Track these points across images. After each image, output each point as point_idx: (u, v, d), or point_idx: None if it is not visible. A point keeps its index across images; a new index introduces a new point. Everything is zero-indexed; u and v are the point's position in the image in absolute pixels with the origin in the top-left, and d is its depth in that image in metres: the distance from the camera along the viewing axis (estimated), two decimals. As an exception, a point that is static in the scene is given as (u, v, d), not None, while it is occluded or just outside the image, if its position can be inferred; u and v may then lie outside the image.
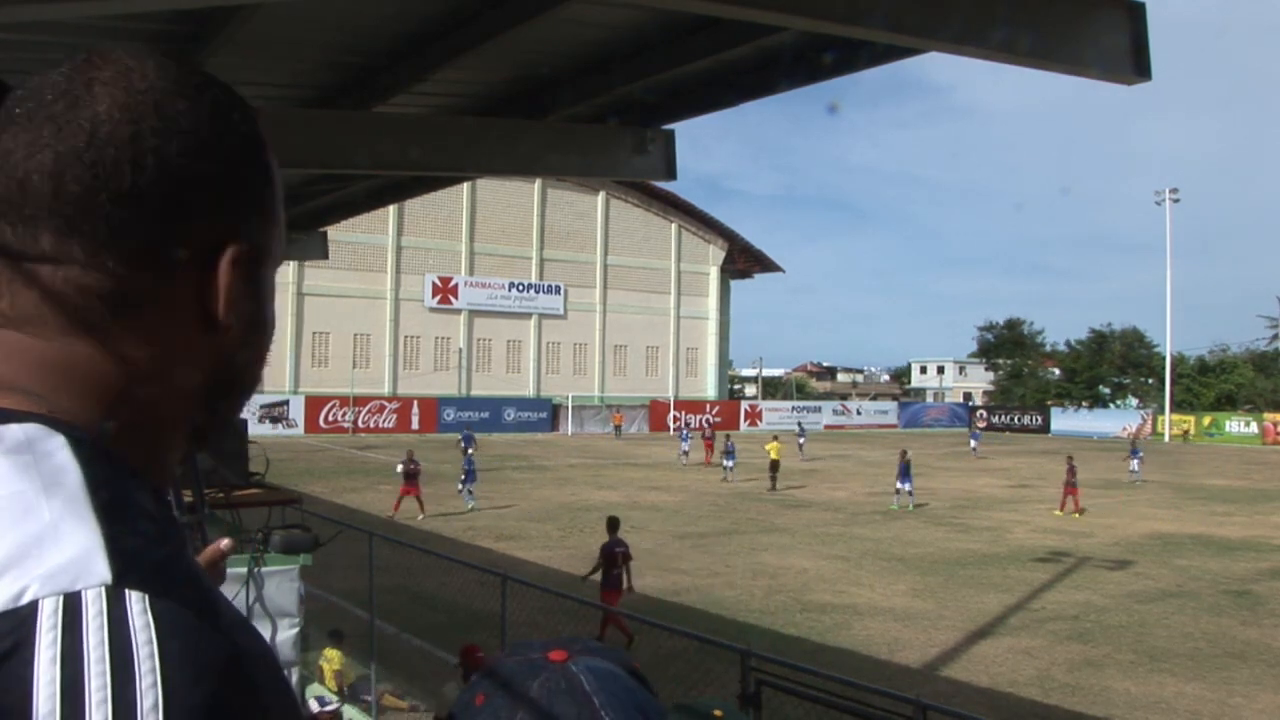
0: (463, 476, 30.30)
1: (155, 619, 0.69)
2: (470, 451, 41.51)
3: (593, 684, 1.04)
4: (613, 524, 16.93)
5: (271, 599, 7.59)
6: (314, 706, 9.60)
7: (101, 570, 0.70)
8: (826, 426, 76.94)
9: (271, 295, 0.95)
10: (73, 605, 0.67)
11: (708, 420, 63.07)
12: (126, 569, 0.70)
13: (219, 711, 0.69)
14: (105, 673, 0.65)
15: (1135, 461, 41.05)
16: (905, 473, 31.26)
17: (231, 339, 0.88)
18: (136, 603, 0.69)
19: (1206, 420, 76.42)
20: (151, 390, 0.84)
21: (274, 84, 8.46)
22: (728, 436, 43.40)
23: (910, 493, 31.22)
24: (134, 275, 0.82)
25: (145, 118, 0.81)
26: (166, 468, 0.89)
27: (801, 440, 48.90)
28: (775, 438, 38.02)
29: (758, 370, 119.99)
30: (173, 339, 0.85)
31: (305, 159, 8.91)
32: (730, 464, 38.96)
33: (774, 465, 36.03)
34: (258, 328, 0.92)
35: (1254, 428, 72.55)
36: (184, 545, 0.82)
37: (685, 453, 44.09)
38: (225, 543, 1.30)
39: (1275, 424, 71.85)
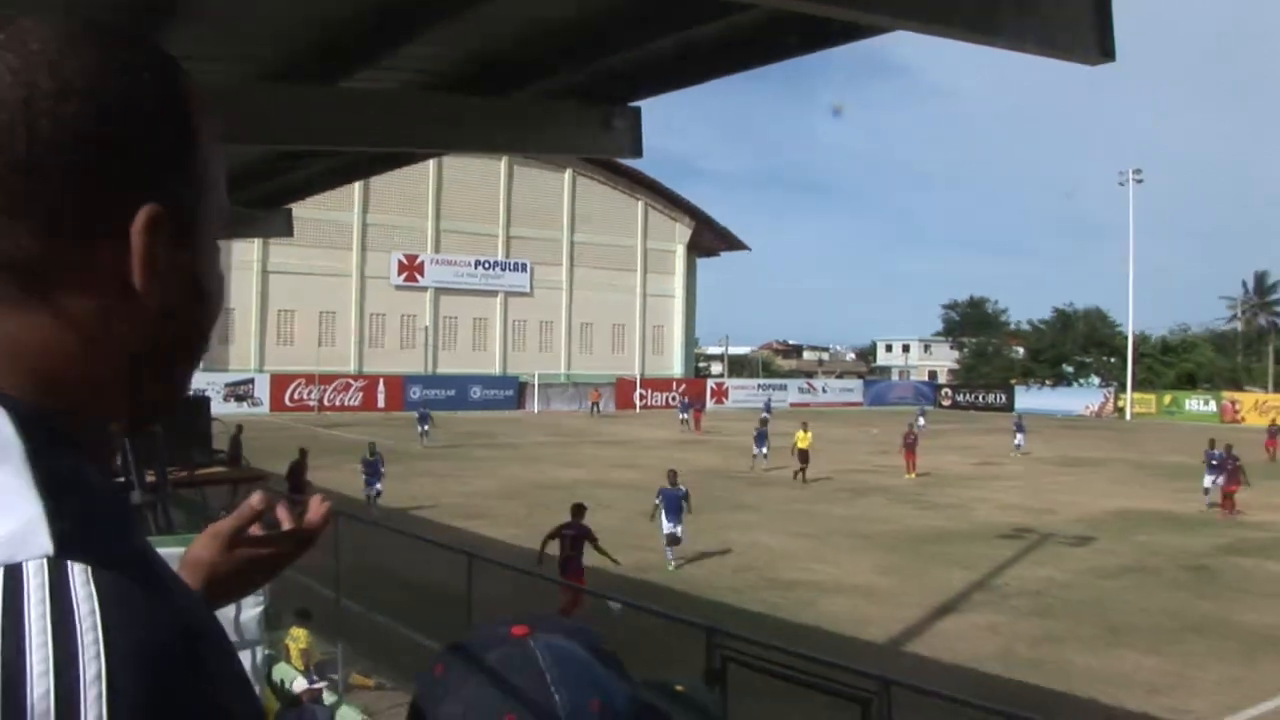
0: (365, 475, 25.55)
1: (98, 590, 0.68)
2: (425, 429, 41.52)
3: (548, 660, 1.04)
4: (576, 509, 16.51)
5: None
6: (302, 685, 9.56)
7: (43, 542, 0.69)
8: (792, 404, 77.17)
9: (211, 264, 0.90)
10: (14, 576, 0.67)
11: (685, 397, 63.34)
12: (69, 541, 0.70)
13: (162, 684, 0.69)
14: (47, 644, 0.65)
15: (1020, 436, 43.15)
16: (761, 439, 36.04)
17: (160, 309, 0.83)
18: (79, 574, 0.68)
19: (1167, 399, 77.21)
20: (81, 364, 0.81)
21: (239, 58, 8.39)
22: (764, 421, 41.43)
23: (764, 455, 35.69)
24: (46, 245, 0.78)
25: (39, 80, 0.77)
26: (105, 443, 0.86)
27: (766, 415, 49.08)
28: (805, 425, 33.37)
29: (724, 348, 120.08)
30: (98, 310, 0.81)
31: (270, 135, 8.86)
32: (763, 450, 36.07)
33: (803, 455, 32.49)
34: (193, 298, 0.87)
35: (1213, 406, 73.42)
36: (129, 519, 0.80)
37: (764, 455, 36.13)
38: (256, 498, 1.21)
39: (1233, 403, 72.75)
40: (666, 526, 19.55)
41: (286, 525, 1.25)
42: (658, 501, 20.06)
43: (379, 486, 24.98)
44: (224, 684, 0.75)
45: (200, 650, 0.73)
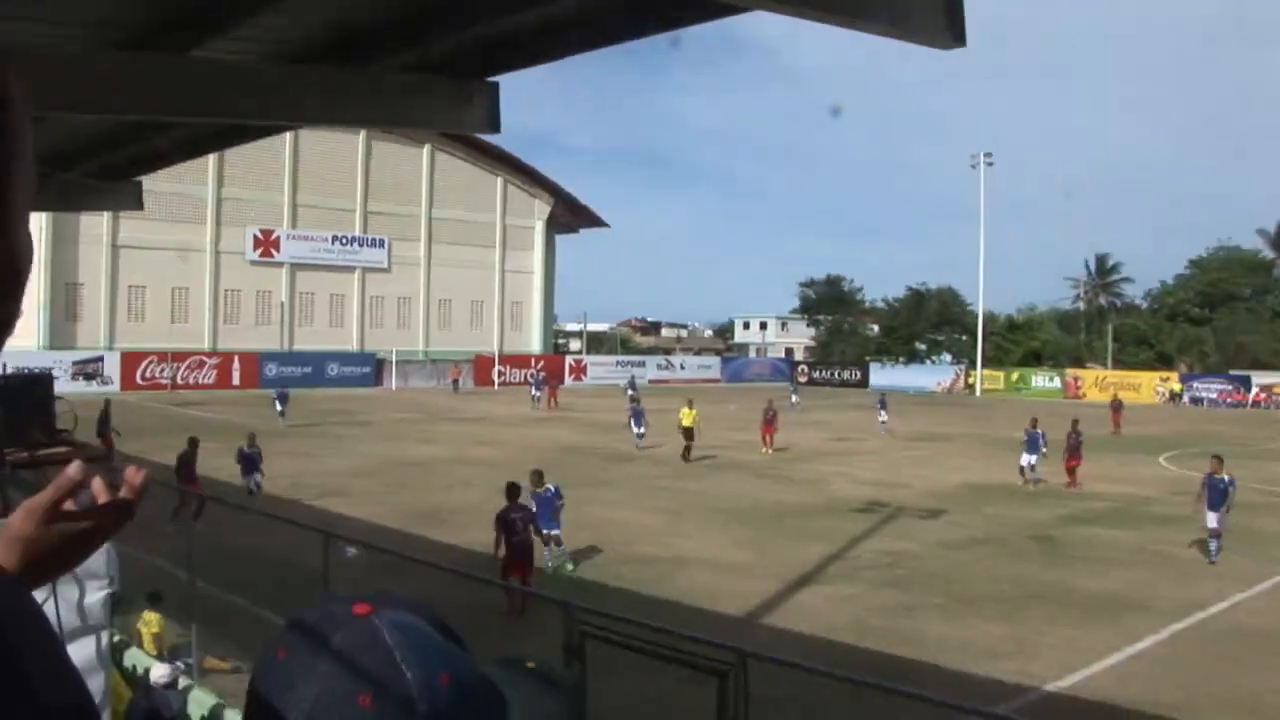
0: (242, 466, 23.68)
1: None
2: (282, 409, 40.65)
3: (395, 638, 1.05)
4: (511, 490, 15.90)
5: (78, 559, 7.28)
6: (163, 672, 9.32)
7: None
8: (651, 381, 77.73)
9: (18, 230, 0.85)
10: None
11: (540, 374, 63.16)
12: None
13: None
14: None
15: (883, 413, 43.64)
16: (638, 418, 34.95)
17: None
18: None
19: (1015, 375, 79.68)
20: None
21: (84, 24, 8.12)
22: (636, 399, 40.41)
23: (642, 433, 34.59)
24: None
25: None
26: None
27: (632, 392, 49.32)
28: (690, 403, 32.99)
29: (582, 325, 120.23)
30: None
31: (119, 105, 8.59)
32: (641, 430, 34.85)
33: (688, 433, 32.18)
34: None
35: (1057, 382, 76.08)
36: None
37: (640, 434, 34.77)
38: (73, 468, 1.17)
39: (1076, 379, 75.57)
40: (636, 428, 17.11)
41: (102, 498, 1.22)
42: (533, 509, 17.11)
43: (258, 478, 23.42)
44: (34, 675, 0.72)
45: (3, 641, 0.70)
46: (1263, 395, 67.49)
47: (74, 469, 1.16)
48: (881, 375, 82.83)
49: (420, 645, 1.06)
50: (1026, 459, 28.05)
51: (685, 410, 32.48)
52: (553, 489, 17.73)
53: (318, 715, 1.01)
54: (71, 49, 8.25)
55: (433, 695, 1.03)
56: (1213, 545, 18.70)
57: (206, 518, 18.63)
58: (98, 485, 1.22)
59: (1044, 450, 27.99)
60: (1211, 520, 18.76)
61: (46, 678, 0.73)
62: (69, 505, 1.18)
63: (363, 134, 68.64)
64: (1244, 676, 12.40)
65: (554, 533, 17.49)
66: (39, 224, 56.35)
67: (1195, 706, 11.42)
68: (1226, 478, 19.17)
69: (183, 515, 18.05)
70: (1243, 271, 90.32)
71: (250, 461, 23.39)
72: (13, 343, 0.88)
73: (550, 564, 17.29)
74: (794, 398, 56.10)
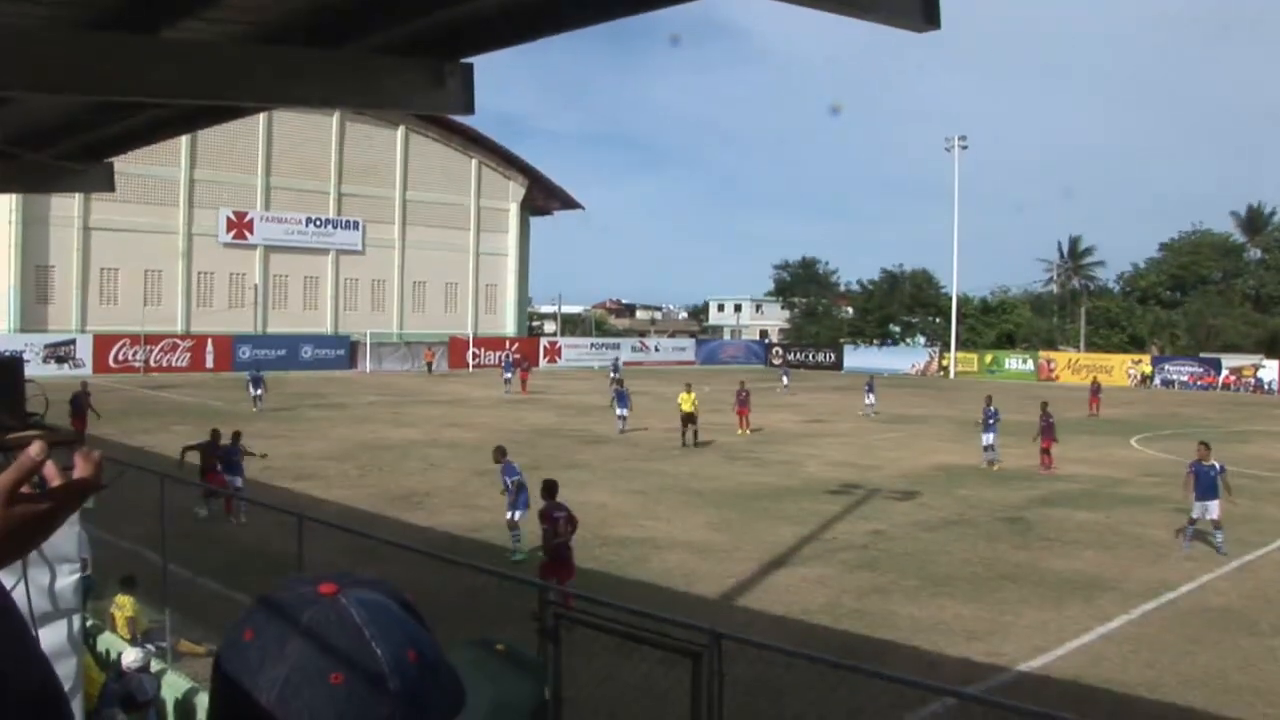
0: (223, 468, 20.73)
1: None
2: (259, 392, 40.20)
3: (363, 616, 1.06)
4: (549, 488, 15.03)
5: (48, 543, 7.22)
6: (136, 656, 9.30)
7: None
8: (626, 363, 77.70)
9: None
10: None
11: (512, 356, 62.94)
12: None
13: None
14: None
15: (870, 396, 43.66)
16: (622, 400, 34.83)
17: None
18: None
19: (988, 358, 79.98)
20: None
21: (50, 2, 8.05)
22: (620, 381, 39.87)
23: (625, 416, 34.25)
24: None
25: None
26: None
27: (614, 375, 49.35)
28: (689, 387, 32.46)
29: (557, 307, 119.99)
30: None
31: (90, 86, 8.52)
32: (624, 412, 34.64)
33: (689, 418, 31.60)
34: None
35: (1030, 364, 76.45)
36: None
37: (623, 417, 34.59)
38: (35, 448, 1.15)
39: (1049, 361, 75.95)
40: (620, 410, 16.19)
41: (55, 481, 1.22)
42: (509, 484, 17.48)
43: (239, 481, 20.36)
44: (3, 665, 0.72)
45: None
46: (1232, 378, 67.94)
47: (36, 449, 1.15)
48: (856, 357, 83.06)
49: (388, 623, 1.07)
50: (986, 438, 28.22)
51: (684, 395, 31.91)
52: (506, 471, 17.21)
53: (289, 694, 1.01)
54: (36, 28, 8.18)
55: (402, 672, 1.04)
56: (1211, 534, 18.27)
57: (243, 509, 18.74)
58: (50, 470, 1.22)
59: (978, 421, 28.41)
60: (1197, 510, 18.49)
61: (15, 666, 0.73)
62: (27, 487, 1.17)
63: (336, 115, 68.24)
64: (1210, 655, 12.53)
65: (514, 514, 17.30)
66: (9, 206, 55.94)
67: (1163, 685, 11.53)
68: (1217, 465, 18.85)
69: (229, 514, 18.48)
70: (1214, 255, 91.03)
71: (230, 460, 20.82)
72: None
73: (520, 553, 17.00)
74: (784, 379, 56.51)
